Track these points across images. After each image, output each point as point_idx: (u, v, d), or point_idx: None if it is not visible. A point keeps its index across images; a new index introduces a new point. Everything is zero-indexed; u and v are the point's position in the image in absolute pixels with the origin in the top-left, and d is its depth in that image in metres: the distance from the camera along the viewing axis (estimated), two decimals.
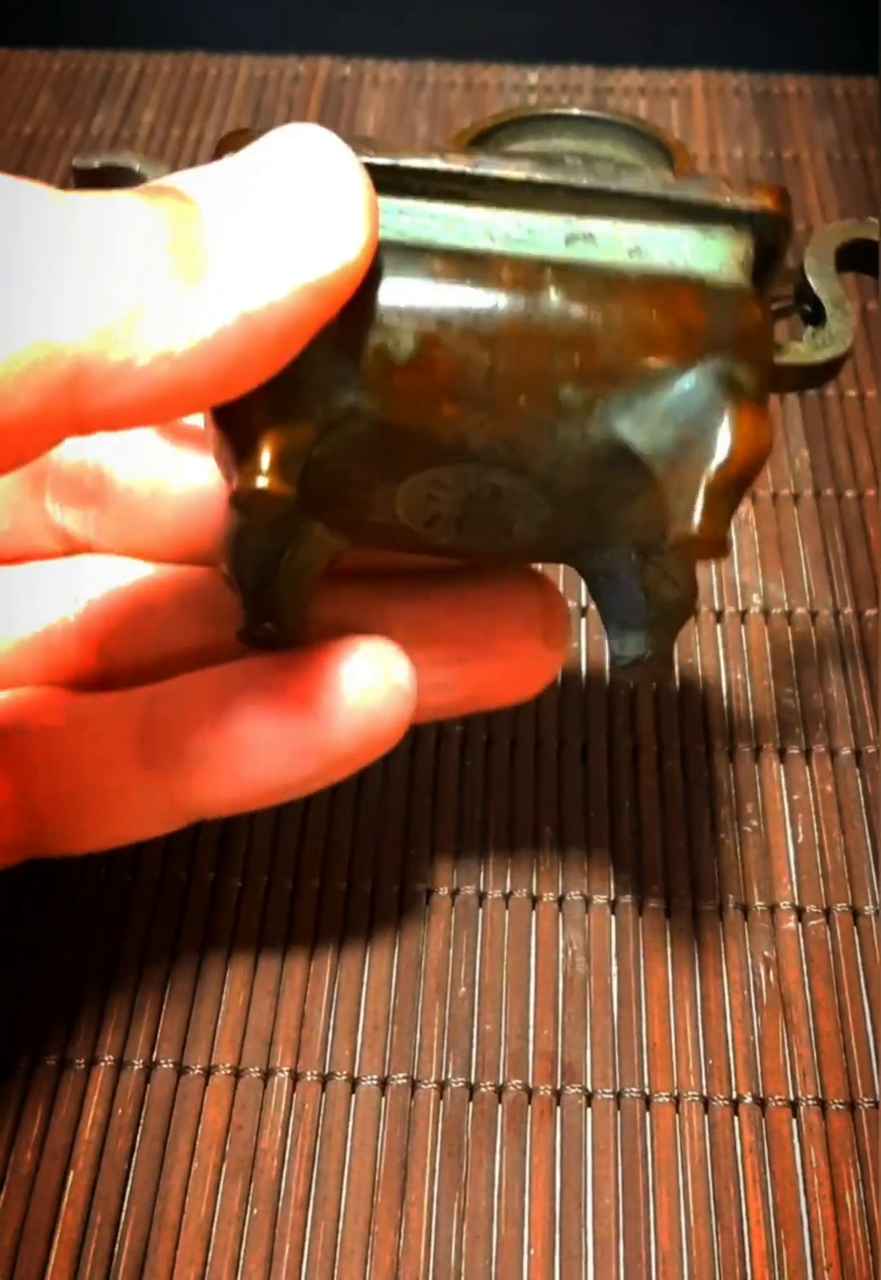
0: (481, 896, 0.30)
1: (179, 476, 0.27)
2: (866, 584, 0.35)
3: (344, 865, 0.30)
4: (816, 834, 0.31)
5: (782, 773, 0.32)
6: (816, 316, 0.24)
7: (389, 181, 0.22)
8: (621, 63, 0.52)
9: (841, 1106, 0.27)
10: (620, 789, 0.31)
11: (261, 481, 0.21)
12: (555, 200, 0.23)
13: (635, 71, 0.52)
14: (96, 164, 0.23)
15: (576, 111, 0.40)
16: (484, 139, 0.39)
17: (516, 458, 0.22)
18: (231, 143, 0.22)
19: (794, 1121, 0.26)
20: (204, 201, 0.19)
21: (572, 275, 0.22)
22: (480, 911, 0.29)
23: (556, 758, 0.32)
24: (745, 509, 0.37)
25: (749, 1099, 0.27)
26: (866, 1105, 0.27)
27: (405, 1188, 0.26)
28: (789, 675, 0.33)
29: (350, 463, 0.22)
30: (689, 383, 0.22)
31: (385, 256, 0.22)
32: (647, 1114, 0.27)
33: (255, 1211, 0.25)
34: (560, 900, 0.30)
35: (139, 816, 0.26)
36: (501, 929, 0.29)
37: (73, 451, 0.27)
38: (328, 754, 0.24)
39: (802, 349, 0.24)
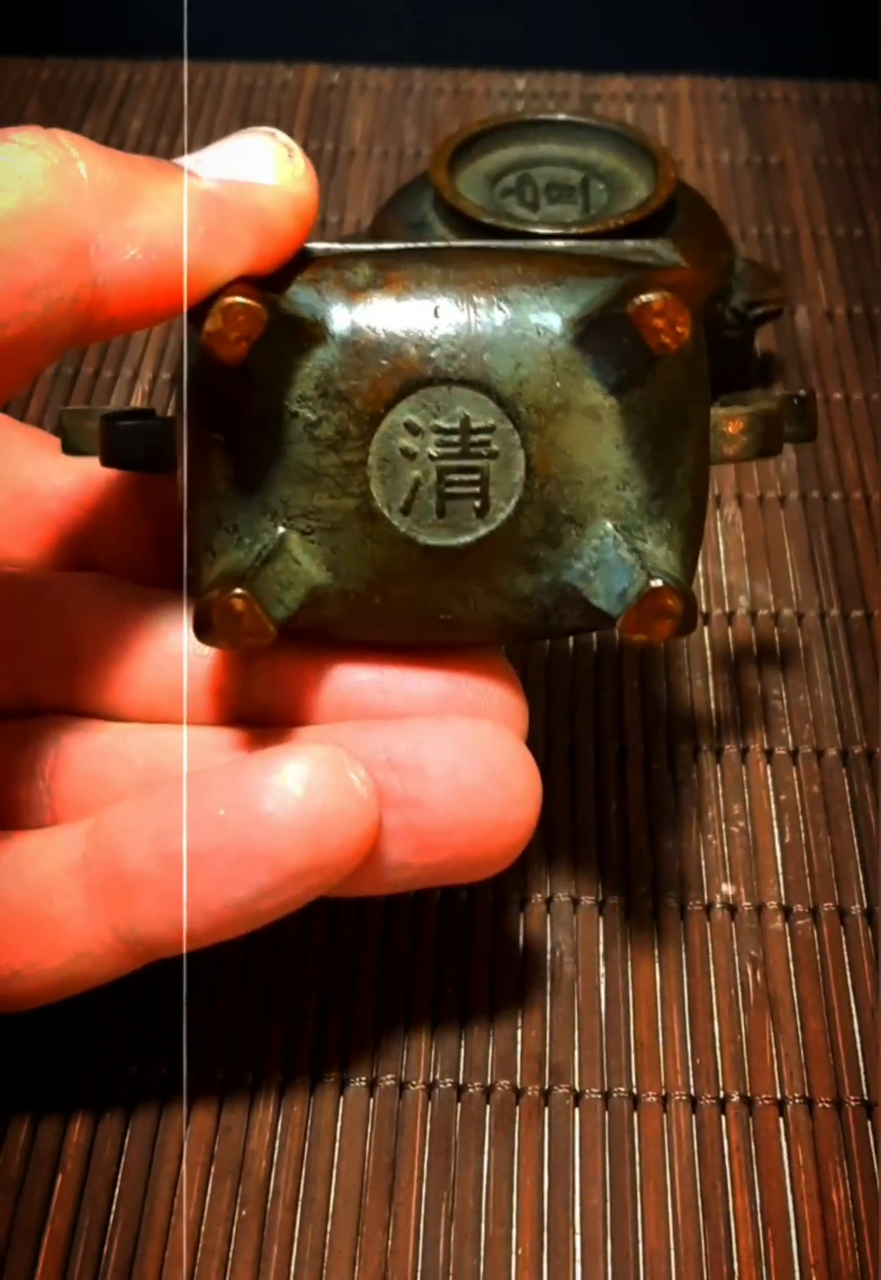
0: (470, 897, 0.30)
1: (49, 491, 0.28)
2: (852, 585, 0.35)
3: None
4: (803, 834, 0.31)
5: (769, 773, 0.32)
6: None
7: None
8: (608, 68, 0.53)
9: (828, 1105, 0.27)
10: (607, 790, 0.31)
11: (238, 298, 0.22)
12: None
13: (621, 77, 0.53)
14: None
15: (562, 117, 0.41)
16: (471, 144, 0.40)
17: (479, 366, 0.23)
18: None
19: (781, 1120, 0.27)
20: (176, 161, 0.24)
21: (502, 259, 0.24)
22: (468, 912, 0.29)
23: (544, 759, 0.32)
24: (732, 511, 0.37)
25: (736, 1098, 0.27)
26: (853, 1104, 0.27)
27: (393, 1188, 0.26)
28: (775, 676, 0.34)
29: (321, 406, 0.23)
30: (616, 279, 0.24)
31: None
32: (635, 1114, 0.27)
33: (243, 1213, 0.25)
34: (548, 901, 0.30)
35: (82, 952, 0.23)
36: (489, 930, 0.29)
37: None
38: (277, 864, 0.22)
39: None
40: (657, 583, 0.23)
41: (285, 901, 0.23)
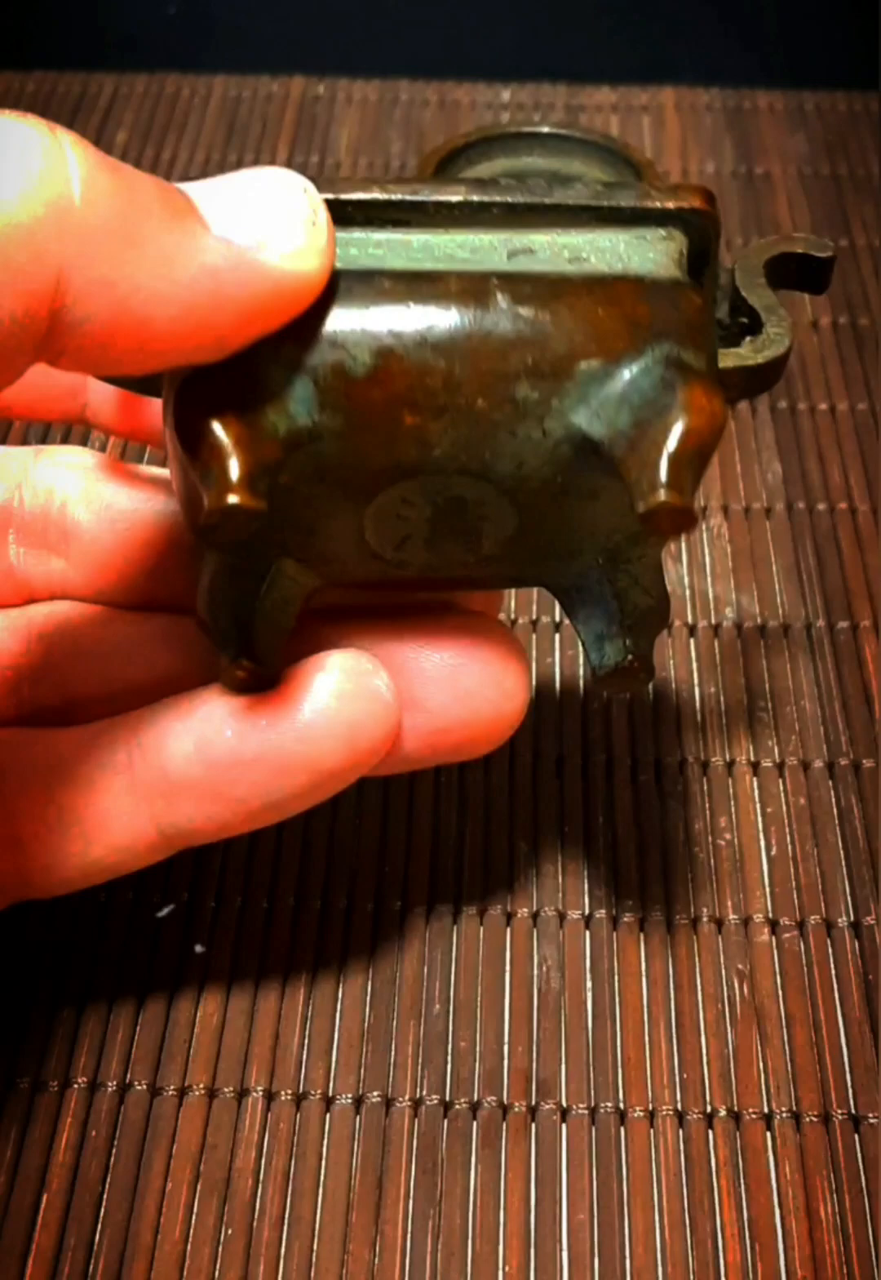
0: (456, 913, 0.30)
1: (143, 523, 0.27)
2: (838, 597, 0.36)
3: (319, 884, 0.30)
4: (790, 847, 0.31)
5: (756, 786, 0.32)
6: (752, 326, 0.25)
7: (333, 215, 0.22)
8: (593, 79, 0.53)
9: (815, 1119, 0.27)
10: (594, 803, 0.31)
11: (232, 498, 0.21)
12: (493, 219, 0.23)
13: (607, 88, 0.52)
14: None
15: (546, 129, 0.41)
16: (456, 157, 0.40)
17: (479, 463, 0.23)
18: None
19: (768, 1135, 0.27)
20: (189, 190, 0.21)
21: (518, 282, 0.22)
22: (455, 928, 0.29)
23: (531, 773, 0.32)
24: (717, 523, 0.37)
25: (723, 1113, 0.27)
26: (840, 1118, 0.27)
27: (380, 1205, 0.26)
28: (762, 688, 0.34)
29: (317, 486, 0.23)
30: (639, 369, 0.22)
31: (337, 282, 0.22)
32: (622, 1129, 0.27)
33: (229, 1231, 0.25)
34: (535, 916, 0.30)
35: (125, 846, 0.25)
36: (476, 945, 0.29)
37: (36, 500, 0.27)
38: (314, 768, 0.24)
39: (744, 352, 0.24)
40: (631, 658, 0.25)
41: (318, 798, 0.25)
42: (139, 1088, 0.27)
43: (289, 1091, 0.27)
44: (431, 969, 0.29)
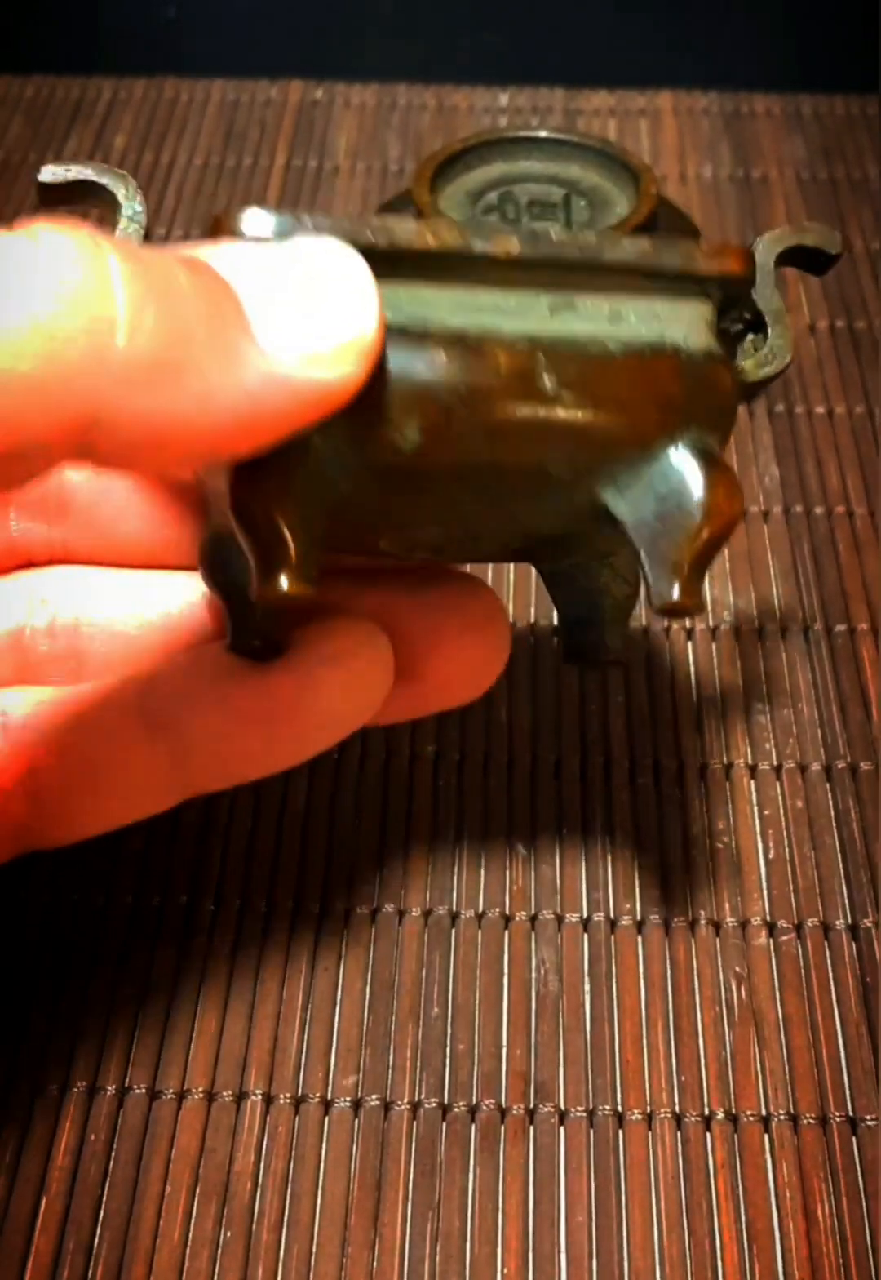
0: (454, 916, 0.30)
1: (140, 485, 0.27)
2: (836, 600, 0.36)
3: (318, 887, 0.30)
4: (787, 849, 0.31)
5: (754, 788, 0.32)
6: (755, 324, 0.26)
7: (384, 263, 0.22)
8: (591, 84, 0.53)
9: (813, 1121, 0.27)
10: (592, 806, 0.32)
11: (285, 585, 0.22)
12: (539, 273, 0.23)
13: (605, 92, 0.53)
14: (66, 177, 0.24)
15: (544, 134, 0.41)
16: (454, 161, 0.40)
17: (504, 517, 0.24)
18: (224, 223, 0.22)
19: (766, 1137, 0.27)
20: (236, 280, 0.20)
21: (563, 359, 0.23)
22: (453, 931, 0.29)
23: (529, 775, 0.32)
24: None
25: (721, 1115, 0.27)
26: (838, 1120, 0.27)
27: (379, 1209, 0.26)
28: (759, 691, 0.34)
29: (348, 525, 0.23)
30: (668, 457, 0.24)
31: (389, 347, 0.22)
32: (620, 1132, 0.27)
33: (228, 1234, 0.25)
34: (533, 919, 0.30)
35: (139, 791, 0.26)
36: (474, 948, 0.29)
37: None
38: (323, 724, 0.26)
39: (747, 366, 0.25)
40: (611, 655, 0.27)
41: (324, 749, 0.26)
42: (138, 1091, 0.27)
43: (287, 1095, 0.27)
44: (429, 972, 0.29)
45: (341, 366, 0.21)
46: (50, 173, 0.24)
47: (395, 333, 0.22)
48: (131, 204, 0.24)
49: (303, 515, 0.22)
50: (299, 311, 0.20)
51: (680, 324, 0.24)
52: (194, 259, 0.20)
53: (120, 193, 0.24)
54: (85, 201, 0.24)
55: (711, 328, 0.25)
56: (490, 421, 0.23)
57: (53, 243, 0.18)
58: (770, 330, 0.26)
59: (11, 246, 0.18)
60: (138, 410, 0.19)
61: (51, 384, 0.18)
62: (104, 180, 0.24)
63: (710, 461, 0.24)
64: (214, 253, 0.21)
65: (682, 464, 0.24)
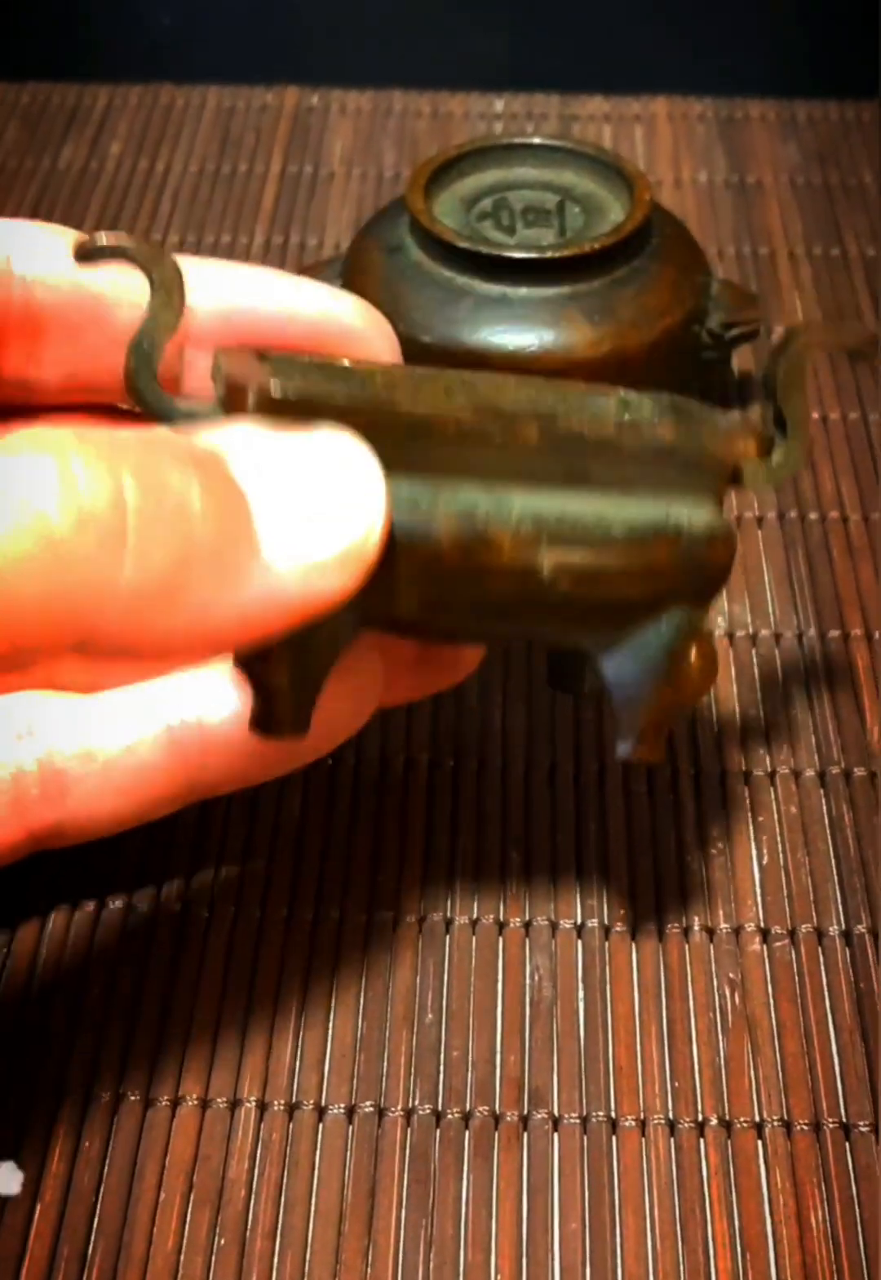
0: (448, 923, 0.30)
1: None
2: (830, 606, 0.36)
3: (311, 894, 0.30)
4: (781, 856, 0.31)
5: (747, 794, 0.32)
6: (778, 421, 0.27)
7: (405, 433, 0.23)
8: (586, 89, 0.53)
9: (806, 1127, 0.27)
10: (586, 812, 0.32)
11: (283, 731, 0.24)
12: (558, 454, 0.24)
13: (600, 98, 0.53)
14: (102, 242, 0.24)
15: (538, 141, 0.41)
16: (449, 168, 0.40)
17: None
18: (240, 397, 0.23)
19: (759, 1143, 0.27)
20: (247, 482, 0.21)
21: (566, 541, 0.24)
22: (447, 938, 0.30)
23: (523, 781, 0.32)
24: None
25: (714, 1121, 0.27)
26: (831, 1126, 0.27)
27: (372, 1215, 0.26)
28: (753, 697, 0.34)
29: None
30: (652, 631, 0.25)
31: (396, 523, 0.23)
32: (614, 1138, 0.27)
33: (222, 1242, 0.25)
34: (526, 925, 0.30)
35: (157, 797, 0.27)
36: (468, 955, 0.29)
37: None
38: (323, 734, 0.27)
39: (760, 474, 0.26)
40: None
41: (320, 755, 0.28)
42: (132, 1098, 0.27)
43: (282, 1102, 0.27)
44: (424, 978, 0.29)
45: (343, 575, 0.21)
46: (90, 241, 0.24)
47: (404, 506, 0.23)
48: (163, 291, 0.24)
49: (301, 671, 0.23)
50: (307, 520, 0.21)
51: (687, 501, 0.25)
52: (210, 459, 0.21)
53: (154, 275, 0.24)
54: (122, 262, 0.24)
55: (719, 499, 0.26)
56: (488, 599, 0.24)
57: (74, 456, 0.19)
58: (790, 436, 0.27)
59: (30, 463, 0.18)
60: (134, 627, 0.19)
61: (54, 602, 0.18)
62: (139, 259, 0.24)
63: (693, 635, 0.26)
64: (231, 445, 0.21)
65: (666, 637, 0.25)
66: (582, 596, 0.25)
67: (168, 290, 0.24)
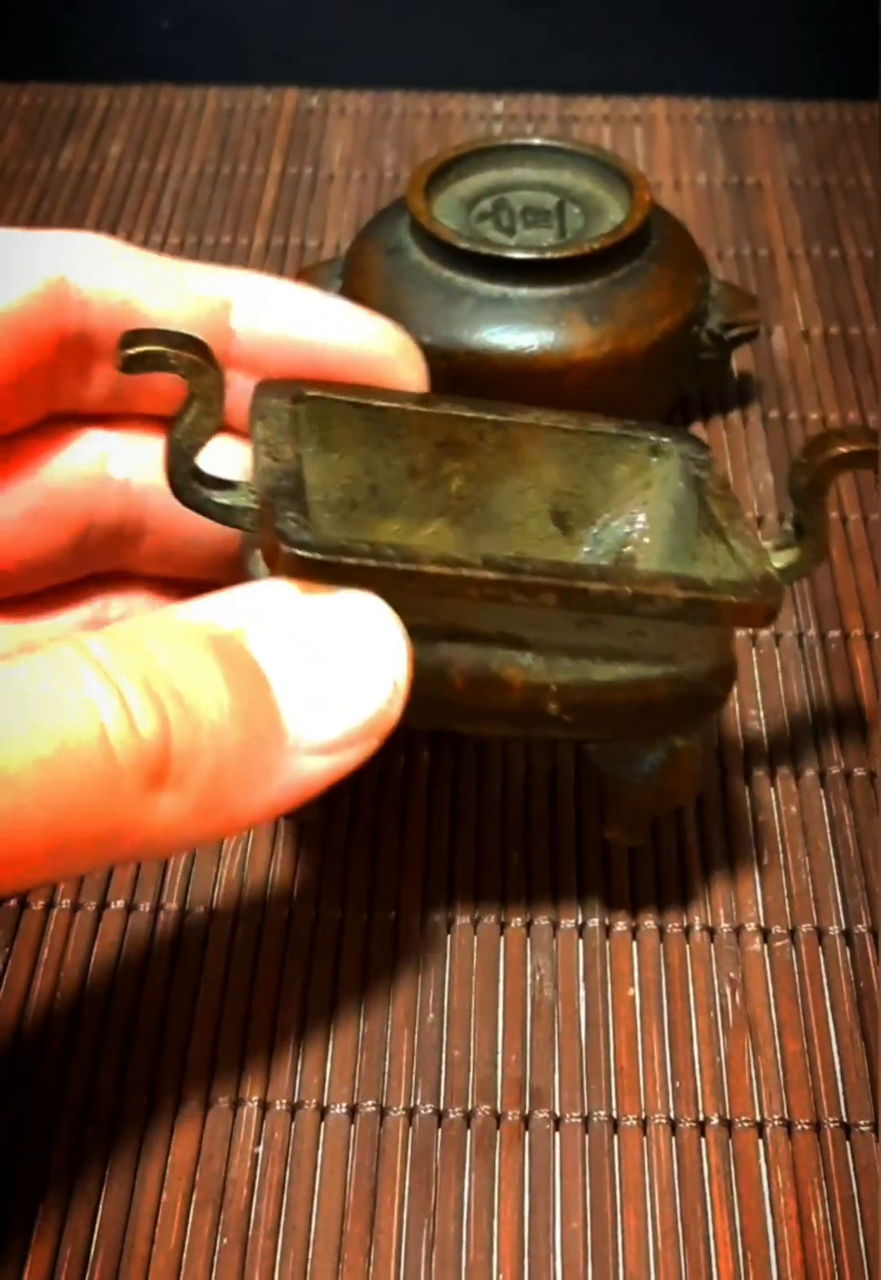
0: (449, 923, 0.30)
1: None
2: (829, 606, 0.36)
3: (312, 895, 0.30)
4: (782, 855, 0.31)
5: (748, 794, 0.32)
6: (797, 527, 0.27)
7: (422, 602, 0.24)
8: (585, 91, 0.53)
9: (807, 1127, 0.27)
10: (587, 812, 0.32)
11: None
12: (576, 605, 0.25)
13: (599, 99, 0.53)
14: (138, 350, 0.24)
15: (538, 141, 0.41)
16: (447, 169, 0.40)
17: None
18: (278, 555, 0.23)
19: (760, 1143, 0.27)
20: (274, 669, 0.22)
21: (573, 689, 0.26)
22: (448, 938, 0.30)
23: (524, 783, 0.32)
24: None
25: (715, 1121, 0.27)
26: (832, 1125, 0.27)
27: (374, 1215, 0.26)
28: (753, 697, 0.34)
29: None
30: (648, 756, 0.27)
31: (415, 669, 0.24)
32: (615, 1137, 0.27)
33: (224, 1241, 0.25)
34: (528, 925, 0.30)
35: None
36: (469, 955, 0.29)
37: (114, 503, 0.28)
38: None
39: (772, 567, 0.27)
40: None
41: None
42: (134, 1099, 0.27)
43: (283, 1101, 0.27)
44: (425, 978, 0.29)
45: (368, 744, 0.22)
46: (133, 352, 0.24)
47: (423, 651, 0.24)
48: (203, 400, 0.24)
49: None
50: (333, 700, 0.22)
51: (692, 649, 0.26)
52: (236, 652, 0.22)
53: (196, 388, 0.24)
54: (157, 368, 0.24)
55: (724, 643, 0.27)
56: (493, 718, 0.26)
57: (115, 690, 0.20)
58: (806, 541, 0.27)
59: (70, 686, 0.19)
60: (162, 846, 0.21)
61: (100, 826, 0.20)
62: (181, 370, 0.24)
63: (682, 754, 0.27)
64: (257, 622, 0.22)
65: (657, 752, 0.27)
66: (583, 722, 0.26)
67: (208, 398, 0.24)
